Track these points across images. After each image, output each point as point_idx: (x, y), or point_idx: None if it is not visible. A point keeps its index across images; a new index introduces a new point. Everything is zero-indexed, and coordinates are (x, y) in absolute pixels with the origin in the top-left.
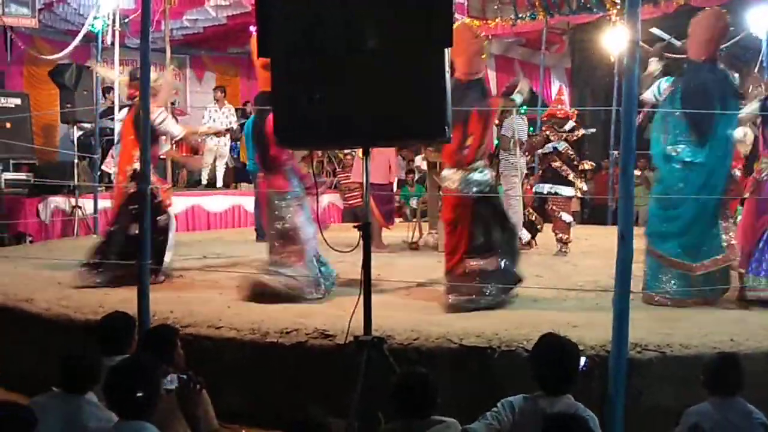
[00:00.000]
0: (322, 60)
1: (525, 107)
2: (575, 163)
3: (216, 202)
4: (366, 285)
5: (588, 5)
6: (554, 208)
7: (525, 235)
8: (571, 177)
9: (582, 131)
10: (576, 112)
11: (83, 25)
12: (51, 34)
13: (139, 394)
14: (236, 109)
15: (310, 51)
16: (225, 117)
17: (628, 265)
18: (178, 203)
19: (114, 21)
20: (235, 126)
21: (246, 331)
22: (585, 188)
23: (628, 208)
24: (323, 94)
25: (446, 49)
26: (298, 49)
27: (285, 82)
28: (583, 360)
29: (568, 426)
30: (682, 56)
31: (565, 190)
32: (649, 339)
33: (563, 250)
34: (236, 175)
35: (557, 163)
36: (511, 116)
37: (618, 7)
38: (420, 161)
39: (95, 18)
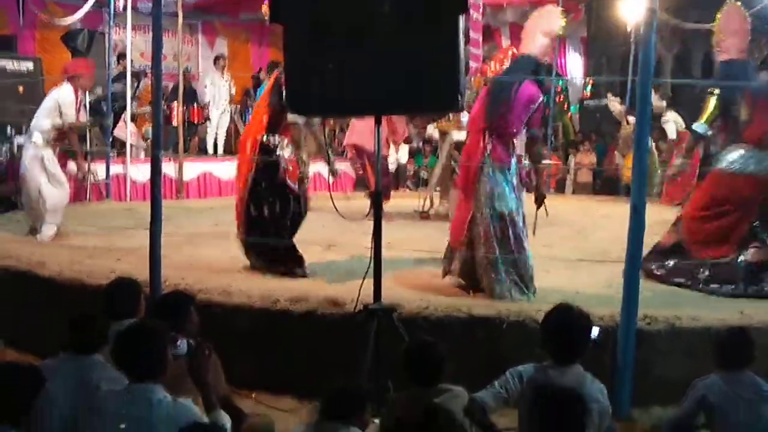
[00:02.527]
0: (337, 27)
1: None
2: None
3: (227, 169)
4: (376, 254)
5: None
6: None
7: None
8: None
9: None
10: None
11: None
12: None
13: (147, 356)
14: (252, 76)
15: (324, 18)
16: (226, 84)
17: (640, 236)
18: (190, 170)
19: None
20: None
21: (256, 298)
22: None
23: (641, 180)
24: (336, 61)
25: (461, 17)
26: (312, 16)
27: (297, 48)
28: (596, 330)
29: (560, 400)
30: None
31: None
32: (657, 311)
33: None
34: None
35: None
36: None
37: None
38: (433, 130)
39: None
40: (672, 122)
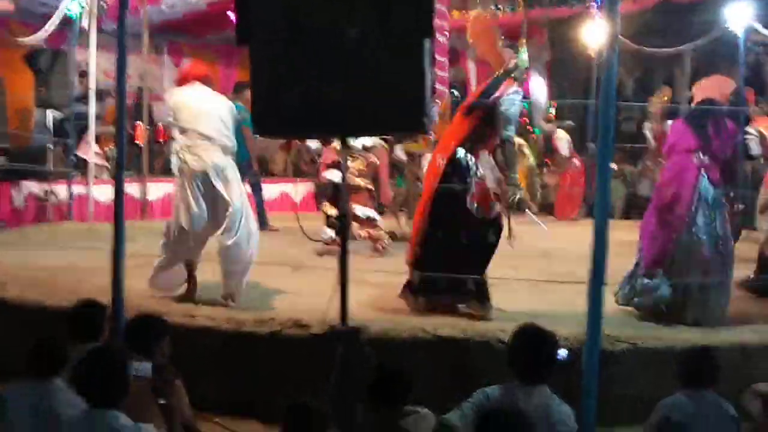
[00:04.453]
0: (302, 48)
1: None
2: None
3: None
4: (342, 275)
5: None
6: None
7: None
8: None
9: None
10: None
11: (59, 9)
12: (27, 18)
13: (107, 381)
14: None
15: (289, 38)
16: None
17: (603, 257)
18: (155, 190)
19: (91, 5)
20: None
21: (221, 320)
22: None
23: (604, 202)
24: (302, 81)
25: (426, 40)
26: (278, 35)
27: (263, 69)
28: (563, 351)
29: (503, 422)
30: None
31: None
32: (621, 331)
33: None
34: None
35: None
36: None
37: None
38: (400, 152)
39: (72, 1)
40: (564, 140)
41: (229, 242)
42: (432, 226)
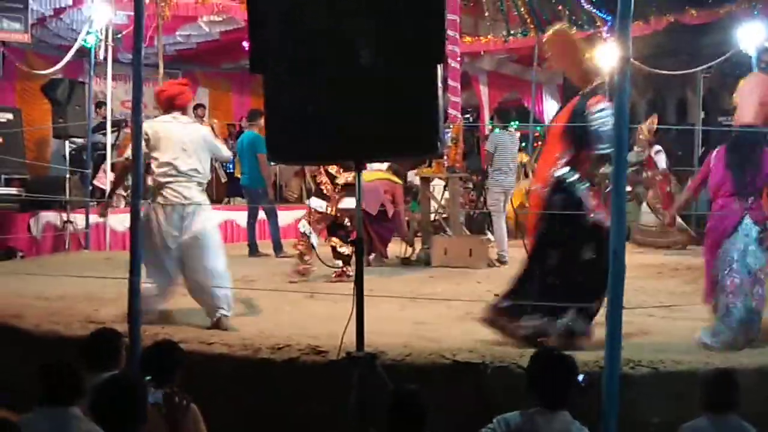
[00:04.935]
0: (315, 75)
1: (516, 123)
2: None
3: None
4: (359, 301)
5: (579, 22)
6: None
7: None
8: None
9: None
10: None
11: (76, 40)
12: (44, 49)
13: (126, 410)
14: (228, 125)
15: (303, 66)
16: None
17: (621, 280)
18: None
19: (107, 36)
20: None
21: (237, 347)
22: None
23: (620, 224)
24: (316, 109)
25: (439, 66)
26: (292, 64)
27: (277, 97)
28: (582, 376)
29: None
30: None
31: (314, 202)
32: (641, 355)
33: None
34: (229, 190)
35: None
36: (496, 132)
37: (607, 24)
38: (413, 177)
39: (88, 33)
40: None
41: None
42: (545, 249)
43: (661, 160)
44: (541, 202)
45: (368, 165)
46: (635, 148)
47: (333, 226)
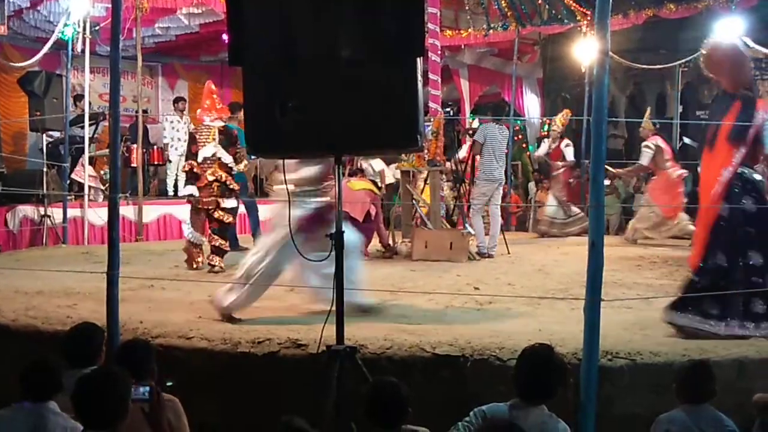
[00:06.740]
0: (295, 68)
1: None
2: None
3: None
4: (338, 294)
5: (559, 16)
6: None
7: None
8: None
9: None
10: None
11: (53, 32)
12: (20, 42)
13: (107, 405)
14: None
15: (282, 59)
16: (186, 127)
17: (599, 273)
18: (150, 212)
19: (84, 28)
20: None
21: (217, 341)
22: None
23: (599, 217)
24: (296, 102)
25: (419, 59)
26: (271, 57)
27: (257, 89)
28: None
29: None
30: None
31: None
32: (619, 347)
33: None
34: None
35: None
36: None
37: (588, 18)
38: (393, 170)
39: (65, 25)
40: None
41: None
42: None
43: (569, 153)
44: (721, 201)
45: (364, 165)
46: (546, 141)
47: (209, 218)
